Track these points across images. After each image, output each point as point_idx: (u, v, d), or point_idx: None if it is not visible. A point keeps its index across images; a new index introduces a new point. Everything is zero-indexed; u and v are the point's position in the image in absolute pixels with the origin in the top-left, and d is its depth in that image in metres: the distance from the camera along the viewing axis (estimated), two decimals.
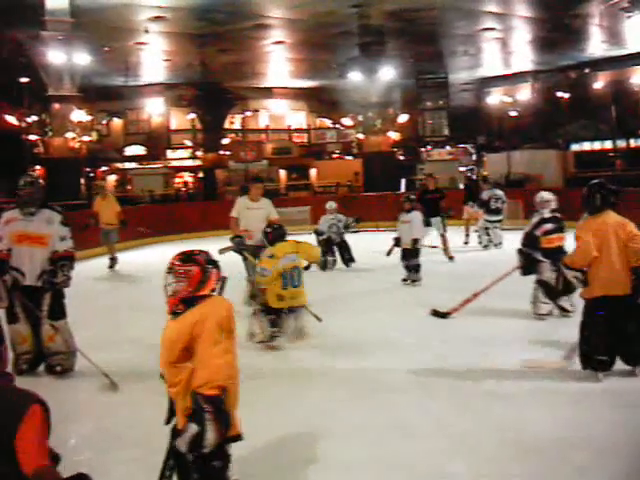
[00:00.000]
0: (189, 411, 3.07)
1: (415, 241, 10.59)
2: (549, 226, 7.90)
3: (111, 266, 14.27)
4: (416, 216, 10.78)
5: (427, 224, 12.15)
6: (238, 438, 3.26)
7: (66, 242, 6.39)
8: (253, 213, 8.87)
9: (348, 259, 13.14)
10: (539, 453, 4.38)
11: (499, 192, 15.54)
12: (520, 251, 8.01)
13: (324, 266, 12.78)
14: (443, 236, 13.52)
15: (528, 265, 7.89)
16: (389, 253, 10.97)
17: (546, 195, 8.19)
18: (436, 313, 8.37)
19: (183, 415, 3.12)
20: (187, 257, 3.26)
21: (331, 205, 13.47)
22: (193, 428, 2.99)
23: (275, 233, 7.53)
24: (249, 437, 4.76)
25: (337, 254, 13.23)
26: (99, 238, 14.27)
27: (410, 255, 10.72)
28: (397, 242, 10.81)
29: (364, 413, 5.24)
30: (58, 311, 6.36)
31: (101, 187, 15.69)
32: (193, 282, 3.19)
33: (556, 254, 7.45)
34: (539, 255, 7.84)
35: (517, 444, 4.53)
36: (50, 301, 6.30)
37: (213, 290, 3.29)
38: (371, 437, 4.76)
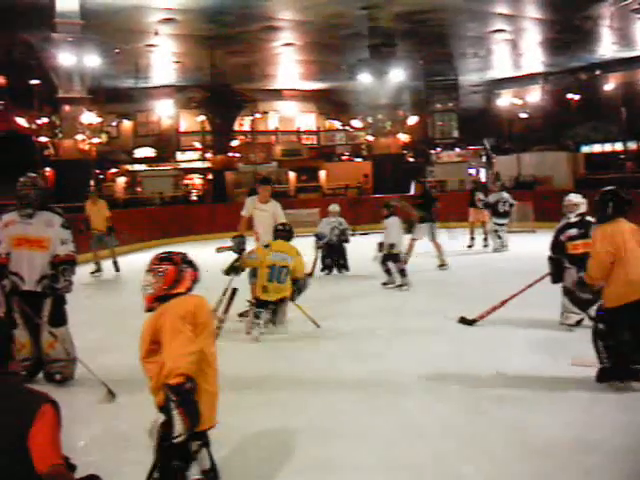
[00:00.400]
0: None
1: (391, 246, 10.82)
2: (573, 231, 7.37)
3: (95, 271, 13.71)
4: (393, 222, 11.00)
5: (407, 231, 12.13)
6: (202, 436, 3.26)
7: (67, 245, 6.18)
8: (261, 215, 8.87)
9: (342, 265, 13.00)
10: (548, 455, 4.36)
11: (506, 195, 15.51)
12: (550, 258, 7.59)
13: (328, 269, 12.94)
14: (434, 242, 12.91)
15: (558, 272, 7.48)
16: (375, 258, 11.26)
17: (574, 198, 7.59)
18: (463, 320, 8.09)
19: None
20: (164, 256, 3.42)
21: (334, 207, 13.29)
22: (160, 417, 3.04)
23: (283, 232, 8.34)
24: (257, 438, 4.78)
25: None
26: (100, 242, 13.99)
27: (389, 260, 10.93)
28: (381, 247, 11.08)
29: (372, 415, 5.24)
30: (59, 317, 6.16)
31: (92, 192, 15.51)
32: (168, 280, 3.34)
33: (582, 261, 6.42)
34: (566, 262, 7.37)
35: (526, 446, 4.51)
36: (51, 307, 6.10)
37: (189, 289, 3.40)
38: (379, 439, 4.75)
